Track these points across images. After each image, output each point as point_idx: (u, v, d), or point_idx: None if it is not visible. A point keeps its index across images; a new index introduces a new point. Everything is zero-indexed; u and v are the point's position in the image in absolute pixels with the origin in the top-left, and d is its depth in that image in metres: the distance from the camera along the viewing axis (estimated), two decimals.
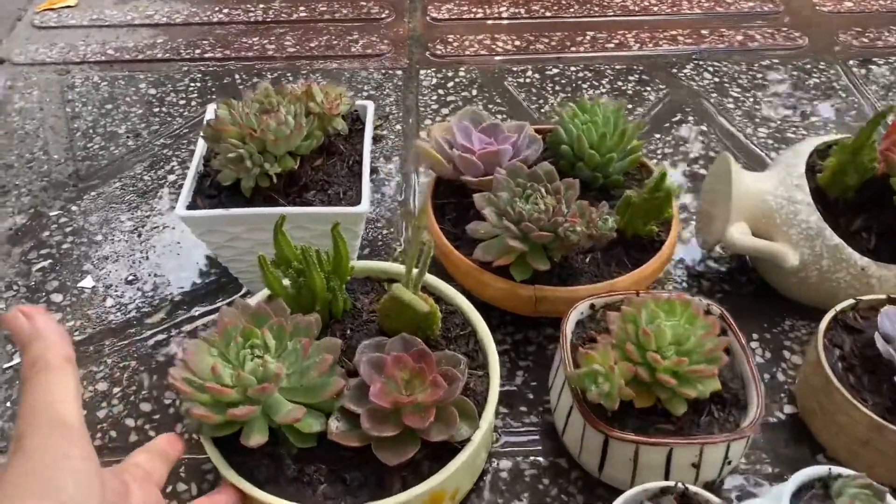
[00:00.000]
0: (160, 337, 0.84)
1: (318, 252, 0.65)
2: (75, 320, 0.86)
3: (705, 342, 0.64)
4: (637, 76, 1.20)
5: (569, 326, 0.71)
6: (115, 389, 0.79)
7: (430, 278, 0.74)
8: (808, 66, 1.22)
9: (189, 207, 0.76)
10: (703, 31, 1.30)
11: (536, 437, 0.75)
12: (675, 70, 1.21)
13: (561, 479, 0.71)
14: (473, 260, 0.78)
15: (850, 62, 1.23)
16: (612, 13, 1.35)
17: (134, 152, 1.08)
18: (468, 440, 0.60)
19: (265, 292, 0.70)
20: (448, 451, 0.60)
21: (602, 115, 0.83)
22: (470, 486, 0.69)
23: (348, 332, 0.68)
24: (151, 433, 0.75)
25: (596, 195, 0.83)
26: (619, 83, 1.18)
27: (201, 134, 0.78)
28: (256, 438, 0.57)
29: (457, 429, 0.59)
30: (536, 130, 0.88)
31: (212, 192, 0.77)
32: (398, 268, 0.74)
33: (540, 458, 0.73)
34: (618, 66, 1.22)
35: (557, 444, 0.74)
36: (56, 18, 1.36)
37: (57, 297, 0.88)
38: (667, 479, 0.64)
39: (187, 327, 0.84)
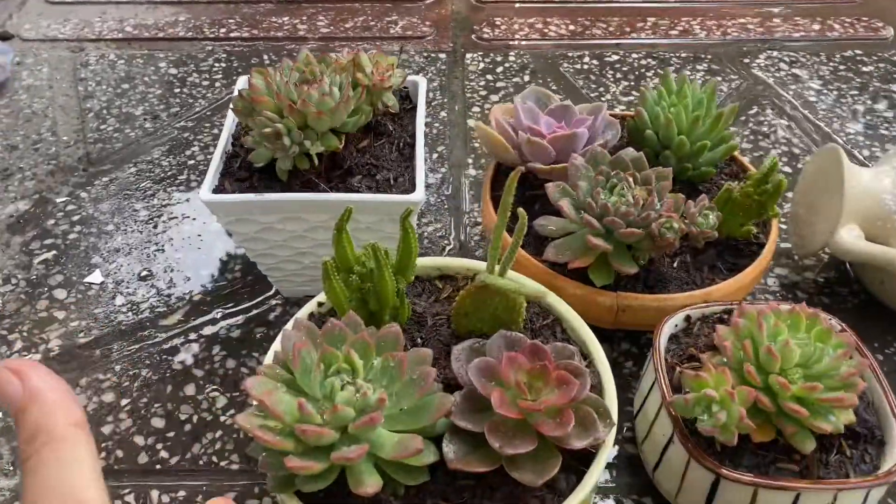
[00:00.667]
0: (176, 341, 0.73)
1: (386, 250, 0.54)
2: (80, 320, 0.75)
3: (840, 365, 0.52)
4: (706, 65, 1.09)
5: (661, 342, 0.60)
6: (124, 402, 0.68)
7: (480, 263, 0.61)
8: (895, 57, 1.11)
9: (215, 191, 0.65)
10: (776, 20, 1.19)
11: (618, 472, 0.63)
12: (747, 60, 1.10)
13: None
14: (543, 261, 0.67)
15: None
16: None
17: (151, 135, 0.97)
18: (602, 442, 0.49)
19: (312, 303, 0.58)
20: (576, 459, 0.49)
21: (693, 96, 0.72)
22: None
23: (419, 340, 0.56)
24: (163, 453, 0.64)
25: (680, 189, 0.72)
26: (687, 72, 1.07)
27: (231, 107, 0.67)
28: (371, 484, 0.44)
29: (596, 430, 0.47)
30: (612, 115, 0.76)
31: (242, 174, 0.67)
32: (453, 262, 0.62)
33: (622, 498, 0.62)
34: (683, 54, 1.11)
35: (643, 480, 0.62)
36: None
37: (60, 294, 0.78)
38: None
39: (207, 331, 0.73)
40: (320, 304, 0.58)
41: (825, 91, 1.04)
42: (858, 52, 1.12)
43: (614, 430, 0.49)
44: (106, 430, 0.66)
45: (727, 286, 0.65)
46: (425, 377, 0.47)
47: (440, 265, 0.61)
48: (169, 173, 0.92)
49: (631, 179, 0.64)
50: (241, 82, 0.74)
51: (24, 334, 0.74)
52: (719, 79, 1.06)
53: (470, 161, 0.93)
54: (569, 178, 0.66)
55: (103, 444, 0.65)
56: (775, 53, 1.11)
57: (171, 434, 0.65)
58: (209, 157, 0.94)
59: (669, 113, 0.71)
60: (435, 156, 0.94)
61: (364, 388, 0.45)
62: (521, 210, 0.51)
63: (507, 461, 0.47)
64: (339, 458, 0.44)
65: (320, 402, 0.46)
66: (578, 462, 0.49)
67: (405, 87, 0.76)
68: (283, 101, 0.62)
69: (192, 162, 0.93)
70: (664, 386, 0.56)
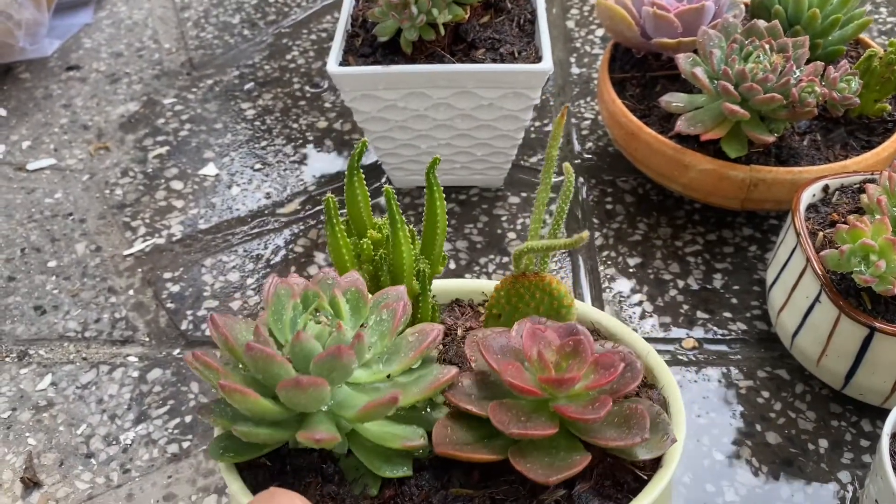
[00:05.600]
0: (295, 228, 0.74)
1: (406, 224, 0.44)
2: (199, 208, 0.76)
3: None
4: None
5: (801, 208, 0.58)
6: (249, 281, 0.69)
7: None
8: None
9: (340, 66, 0.65)
10: None
11: (748, 346, 0.63)
12: None
13: (784, 393, 0.59)
14: (670, 137, 0.66)
15: None
16: None
17: (250, 42, 0.98)
18: (658, 464, 0.38)
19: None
20: (620, 488, 0.38)
21: None
22: None
23: (440, 347, 0.45)
24: None
25: None
26: None
27: None
28: (324, 432, 0.35)
29: (643, 431, 0.36)
30: None
31: (365, 50, 0.66)
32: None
33: (756, 370, 0.61)
34: None
35: (776, 354, 0.61)
36: None
37: (177, 185, 0.79)
38: None
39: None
40: None
41: None
42: None
43: (678, 452, 0.38)
44: (234, 305, 0.68)
45: (864, 160, 0.63)
46: (425, 336, 0.38)
47: (485, 288, 0.49)
48: (272, 76, 0.92)
49: (767, 47, 0.62)
50: None
51: (147, 221, 0.76)
52: None
53: (573, 60, 0.91)
54: (699, 50, 0.64)
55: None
56: None
57: None
58: (309, 60, 0.94)
59: None
60: None
61: (342, 327, 0.36)
62: (566, 166, 0.42)
63: (515, 449, 0.36)
64: (286, 385, 0.34)
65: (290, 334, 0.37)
66: (629, 487, 0.37)
67: None
68: None
69: (293, 66, 0.93)
70: (809, 246, 0.54)
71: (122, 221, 0.76)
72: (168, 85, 0.92)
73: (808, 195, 0.60)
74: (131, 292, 0.69)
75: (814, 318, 0.55)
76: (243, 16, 1.03)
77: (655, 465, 0.38)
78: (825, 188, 0.60)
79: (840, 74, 0.61)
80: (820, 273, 0.53)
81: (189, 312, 0.67)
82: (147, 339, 0.65)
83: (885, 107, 0.67)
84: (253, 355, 0.34)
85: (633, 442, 0.36)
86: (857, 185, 0.60)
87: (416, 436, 0.36)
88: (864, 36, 0.73)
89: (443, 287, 0.49)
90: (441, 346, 0.44)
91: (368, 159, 0.79)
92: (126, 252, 0.73)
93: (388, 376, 0.37)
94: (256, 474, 0.38)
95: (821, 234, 0.57)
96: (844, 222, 0.56)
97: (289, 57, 0.95)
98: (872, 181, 0.60)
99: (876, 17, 0.96)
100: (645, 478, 0.37)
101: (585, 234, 0.38)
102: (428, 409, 0.39)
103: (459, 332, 0.46)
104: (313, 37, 0.98)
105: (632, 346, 0.44)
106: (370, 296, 0.39)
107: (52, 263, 0.72)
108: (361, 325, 0.38)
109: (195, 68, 0.94)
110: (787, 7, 0.69)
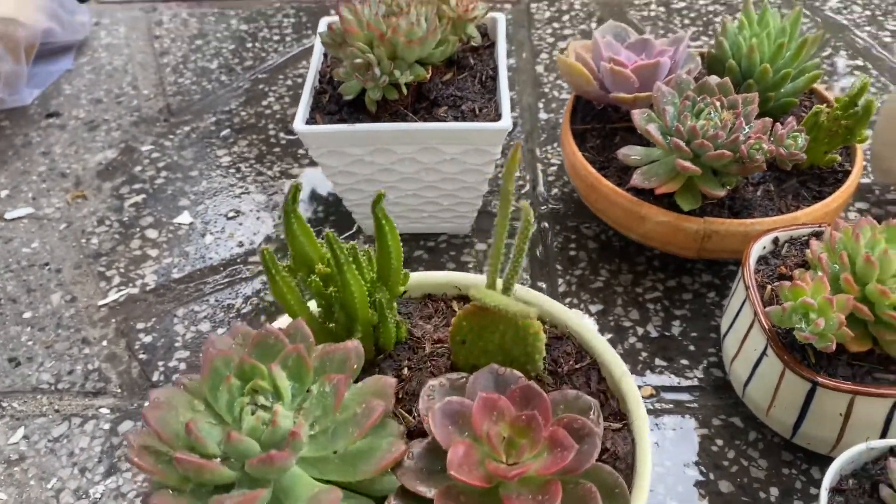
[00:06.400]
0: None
1: (355, 248, 0.44)
2: (173, 257, 0.78)
3: None
4: (775, 9, 1.07)
5: (751, 261, 0.60)
6: (220, 330, 0.71)
7: (522, 289, 0.50)
8: None
9: (307, 124, 0.67)
10: None
11: (703, 394, 0.64)
12: (817, 3, 1.08)
13: (738, 441, 0.61)
14: (627, 190, 0.68)
15: None
16: None
17: (227, 88, 1.00)
18: None
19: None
20: None
21: (775, 24, 0.72)
22: None
23: (405, 370, 0.44)
24: None
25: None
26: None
27: (319, 39, 0.69)
28: None
29: None
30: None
31: (331, 107, 0.68)
32: (474, 278, 0.51)
33: (711, 417, 0.63)
34: None
35: (731, 402, 0.63)
36: None
37: (152, 234, 0.81)
38: (884, 438, 0.53)
39: None
40: None
41: None
42: None
43: None
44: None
45: (814, 211, 0.65)
46: (370, 412, 0.36)
47: (457, 281, 0.48)
48: (248, 122, 0.94)
49: (718, 104, 0.64)
50: (322, 25, 0.76)
51: (121, 270, 0.77)
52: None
53: (541, 105, 0.94)
54: (654, 105, 0.66)
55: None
56: None
57: None
58: (285, 106, 0.96)
59: (752, 42, 0.70)
60: None
61: (279, 417, 0.35)
62: (524, 204, 0.39)
63: None
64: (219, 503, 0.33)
65: (225, 428, 0.36)
66: None
67: (483, 25, 0.77)
68: (373, 31, 0.63)
69: (268, 112, 0.96)
70: (756, 302, 0.56)
71: (97, 271, 0.77)
72: (146, 132, 0.94)
73: (759, 247, 0.62)
74: (105, 343, 0.71)
75: (762, 369, 0.57)
76: (221, 61, 1.05)
77: None
78: (775, 240, 0.62)
79: (787, 131, 0.63)
80: (766, 327, 0.55)
81: (160, 363, 0.69)
82: (119, 391, 0.67)
83: (835, 158, 0.69)
84: (184, 466, 0.33)
85: None
86: (805, 238, 0.62)
87: None
88: (817, 85, 0.75)
89: (415, 281, 0.49)
90: (407, 370, 0.44)
91: (342, 207, 0.81)
92: (100, 302, 0.74)
93: (335, 452, 0.37)
94: None
95: (769, 287, 0.59)
96: (791, 276, 0.58)
97: (265, 103, 0.97)
98: (819, 234, 0.62)
99: (836, 60, 0.98)
100: None
101: (534, 312, 0.38)
102: (382, 475, 0.38)
103: (427, 346, 0.45)
104: (289, 82, 1.00)
105: (606, 363, 0.44)
106: (312, 360, 0.38)
107: (27, 315, 0.74)
108: (307, 391, 0.38)
109: (173, 114, 0.96)
110: (740, 62, 0.71)
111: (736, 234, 0.65)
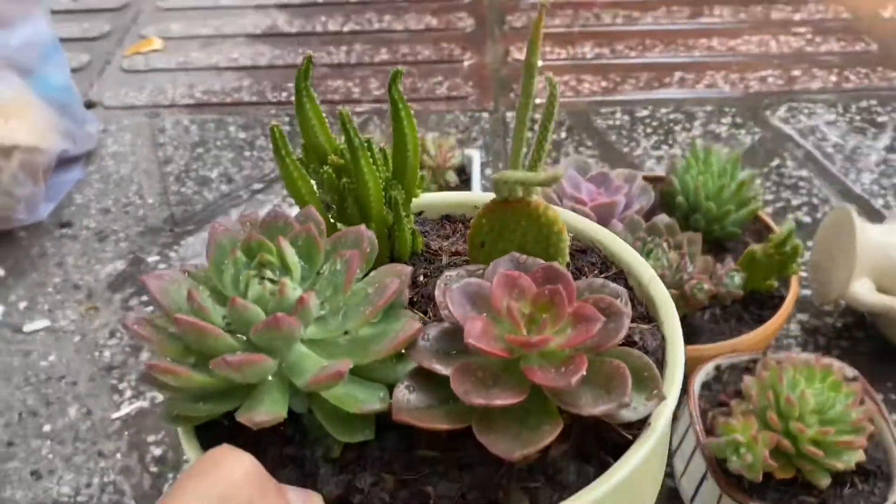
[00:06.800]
0: None
1: (371, 141, 0.40)
2: None
3: (851, 412, 0.61)
4: (730, 119, 1.18)
5: (695, 389, 0.68)
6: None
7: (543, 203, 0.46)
8: None
9: None
10: (795, 72, 1.27)
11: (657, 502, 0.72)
12: (768, 112, 1.19)
13: None
14: None
15: None
16: (698, 53, 1.33)
17: (227, 197, 1.09)
18: (645, 423, 0.34)
19: None
20: (603, 446, 0.35)
21: (717, 165, 0.81)
22: None
23: (420, 278, 0.41)
24: None
25: (709, 248, 0.81)
26: (712, 126, 1.16)
27: None
28: (265, 412, 0.32)
29: (628, 397, 0.32)
30: (645, 178, 0.86)
31: None
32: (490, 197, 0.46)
33: None
34: (709, 108, 1.20)
35: None
36: (144, 62, 1.38)
37: None
38: None
39: None
40: None
41: (841, 142, 1.12)
42: (874, 102, 1.20)
43: (668, 409, 0.34)
44: None
45: (753, 336, 0.74)
46: (383, 290, 0.34)
47: (477, 201, 0.45)
48: None
49: (665, 245, 0.73)
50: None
51: (132, 383, 0.85)
52: (741, 149, 1.15)
53: None
54: None
55: None
56: (795, 105, 1.20)
57: None
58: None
59: (698, 181, 0.80)
60: None
61: (287, 286, 0.33)
62: (549, 76, 0.38)
63: (479, 420, 0.32)
64: (220, 364, 0.31)
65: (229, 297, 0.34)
66: (614, 451, 0.34)
67: (462, 163, 0.86)
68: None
69: None
70: (698, 430, 0.65)
71: (109, 384, 0.85)
72: (152, 242, 1.02)
73: (703, 374, 0.70)
74: (118, 455, 0.78)
75: (704, 489, 0.65)
76: (221, 170, 1.14)
77: (643, 422, 0.34)
78: (717, 367, 0.71)
79: (725, 272, 0.72)
80: (706, 455, 0.63)
81: (171, 475, 0.76)
82: (133, 503, 0.74)
83: (773, 284, 0.78)
84: (184, 329, 0.31)
85: (609, 409, 0.32)
86: (744, 364, 0.71)
87: (374, 399, 0.33)
88: (760, 213, 0.85)
89: (431, 201, 0.46)
90: (423, 277, 0.41)
91: None
92: (114, 415, 0.82)
93: (347, 332, 0.35)
94: (218, 433, 0.35)
95: (710, 413, 0.67)
96: (728, 404, 0.66)
97: (262, 213, 1.05)
98: (755, 361, 0.70)
99: (783, 170, 1.08)
100: (630, 437, 0.34)
101: (561, 173, 0.37)
102: (394, 362, 0.35)
103: (444, 258, 0.42)
104: (284, 191, 1.09)
105: (633, 270, 0.41)
106: (323, 241, 0.36)
107: (47, 427, 0.81)
108: (318, 273, 0.36)
109: (177, 224, 1.05)
110: (688, 198, 0.81)
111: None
